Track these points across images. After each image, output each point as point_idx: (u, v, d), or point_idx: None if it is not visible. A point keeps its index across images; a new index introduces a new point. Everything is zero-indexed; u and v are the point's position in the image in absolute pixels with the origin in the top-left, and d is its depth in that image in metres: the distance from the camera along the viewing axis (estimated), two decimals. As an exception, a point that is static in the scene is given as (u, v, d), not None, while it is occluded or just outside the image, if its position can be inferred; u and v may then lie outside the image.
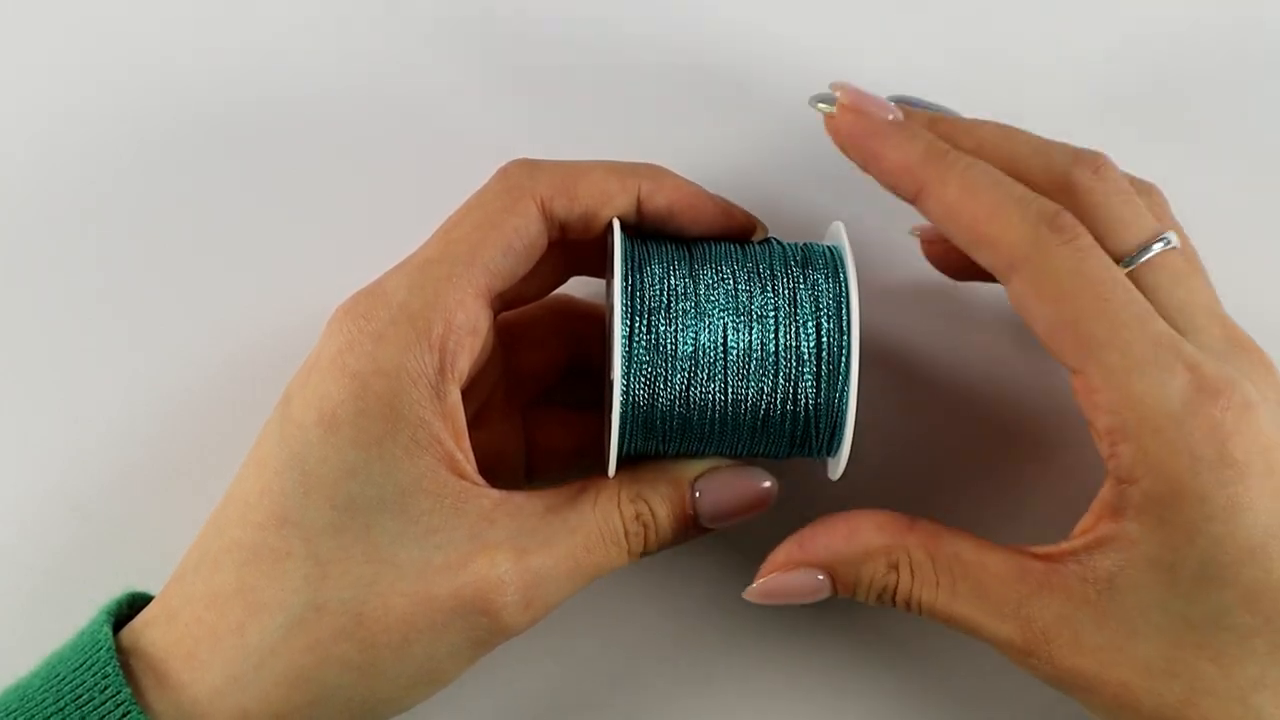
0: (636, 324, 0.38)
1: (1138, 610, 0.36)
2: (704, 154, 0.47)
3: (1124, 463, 0.36)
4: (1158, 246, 0.38)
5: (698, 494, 0.40)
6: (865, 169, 0.40)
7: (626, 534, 0.39)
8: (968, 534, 0.39)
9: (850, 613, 0.46)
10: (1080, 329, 0.36)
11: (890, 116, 0.40)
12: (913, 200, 0.39)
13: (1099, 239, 0.38)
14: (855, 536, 0.39)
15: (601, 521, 0.39)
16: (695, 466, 0.40)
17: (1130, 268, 0.38)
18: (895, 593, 0.39)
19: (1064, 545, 0.37)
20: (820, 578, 0.39)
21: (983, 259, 0.38)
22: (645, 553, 0.40)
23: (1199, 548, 0.35)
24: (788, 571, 0.39)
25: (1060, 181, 0.39)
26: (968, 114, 0.42)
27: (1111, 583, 0.36)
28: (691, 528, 0.40)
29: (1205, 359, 0.36)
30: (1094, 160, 0.39)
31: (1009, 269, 0.37)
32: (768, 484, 0.40)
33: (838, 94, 0.40)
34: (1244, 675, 0.35)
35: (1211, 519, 0.35)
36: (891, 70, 0.48)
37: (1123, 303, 0.36)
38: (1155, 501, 0.35)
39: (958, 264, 0.43)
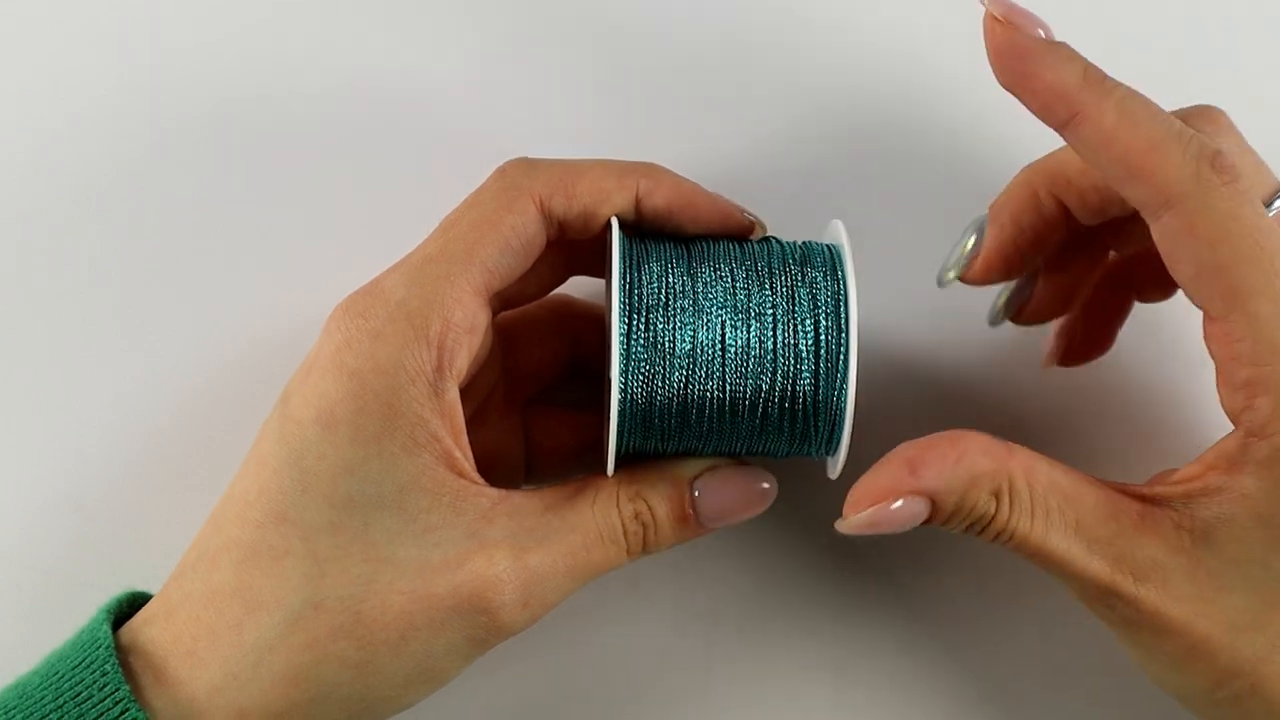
0: (634, 322, 0.38)
1: (1233, 564, 0.35)
2: (703, 152, 0.47)
3: (1259, 416, 0.35)
4: (1278, 202, 0.38)
5: (697, 493, 0.40)
6: (1014, 90, 0.37)
7: (625, 533, 0.39)
8: (1063, 464, 0.38)
9: (850, 613, 0.46)
10: (1233, 274, 0.35)
11: (1043, 34, 0.37)
12: (1062, 126, 0.37)
13: None
14: (963, 461, 0.37)
15: (600, 521, 0.39)
16: (694, 466, 0.40)
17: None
18: (991, 523, 0.37)
19: (1161, 488, 0.37)
20: (923, 504, 0.37)
21: (1134, 193, 0.36)
22: (645, 552, 0.40)
23: None
24: (894, 501, 0.37)
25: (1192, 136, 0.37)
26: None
27: (1209, 534, 0.35)
28: (690, 527, 0.40)
29: None
30: (1217, 116, 0.38)
31: (1163, 205, 0.35)
32: (766, 484, 0.40)
33: (988, 4, 0.37)
34: None
35: None
36: (895, 68, 0.48)
37: (1278, 251, 0.35)
38: None
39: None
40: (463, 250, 0.38)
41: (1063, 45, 0.37)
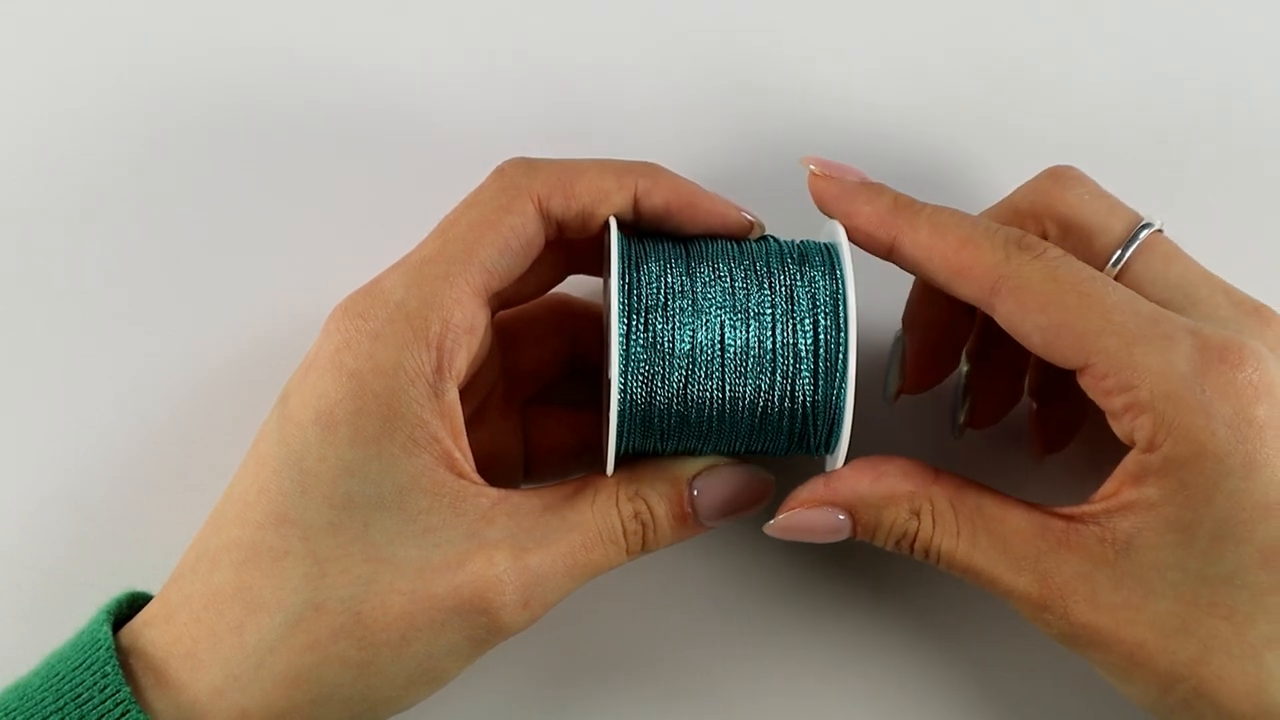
0: (634, 322, 0.38)
1: (1155, 570, 0.36)
2: (702, 151, 0.47)
3: (1145, 433, 0.36)
4: (1144, 233, 0.40)
5: (696, 492, 0.40)
6: (844, 227, 0.41)
7: (625, 533, 0.39)
8: (991, 489, 0.40)
9: (851, 613, 0.46)
10: (1073, 326, 0.37)
11: (857, 179, 0.41)
12: (888, 251, 0.40)
13: (1087, 242, 0.40)
14: (880, 480, 0.40)
15: (600, 520, 0.39)
16: (693, 464, 0.40)
17: (1123, 259, 0.40)
18: (915, 539, 0.39)
19: (1084, 508, 0.38)
20: (841, 517, 0.39)
21: (963, 291, 0.39)
22: (644, 551, 0.40)
23: (1216, 506, 0.36)
24: (810, 509, 0.40)
25: (1040, 203, 0.41)
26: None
27: (1130, 544, 0.36)
28: (690, 525, 0.40)
29: (1204, 325, 0.37)
30: (1063, 172, 0.42)
31: (991, 294, 0.38)
32: (763, 483, 0.41)
33: (810, 166, 0.41)
34: (1256, 633, 0.36)
35: (1229, 475, 0.35)
36: (891, 70, 0.48)
37: (1105, 293, 0.37)
38: (1176, 464, 0.36)
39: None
40: (461, 251, 0.38)
41: (874, 185, 0.41)
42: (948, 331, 0.44)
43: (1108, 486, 0.38)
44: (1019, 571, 0.38)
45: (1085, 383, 0.38)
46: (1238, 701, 0.36)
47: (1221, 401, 0.36)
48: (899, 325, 0.45)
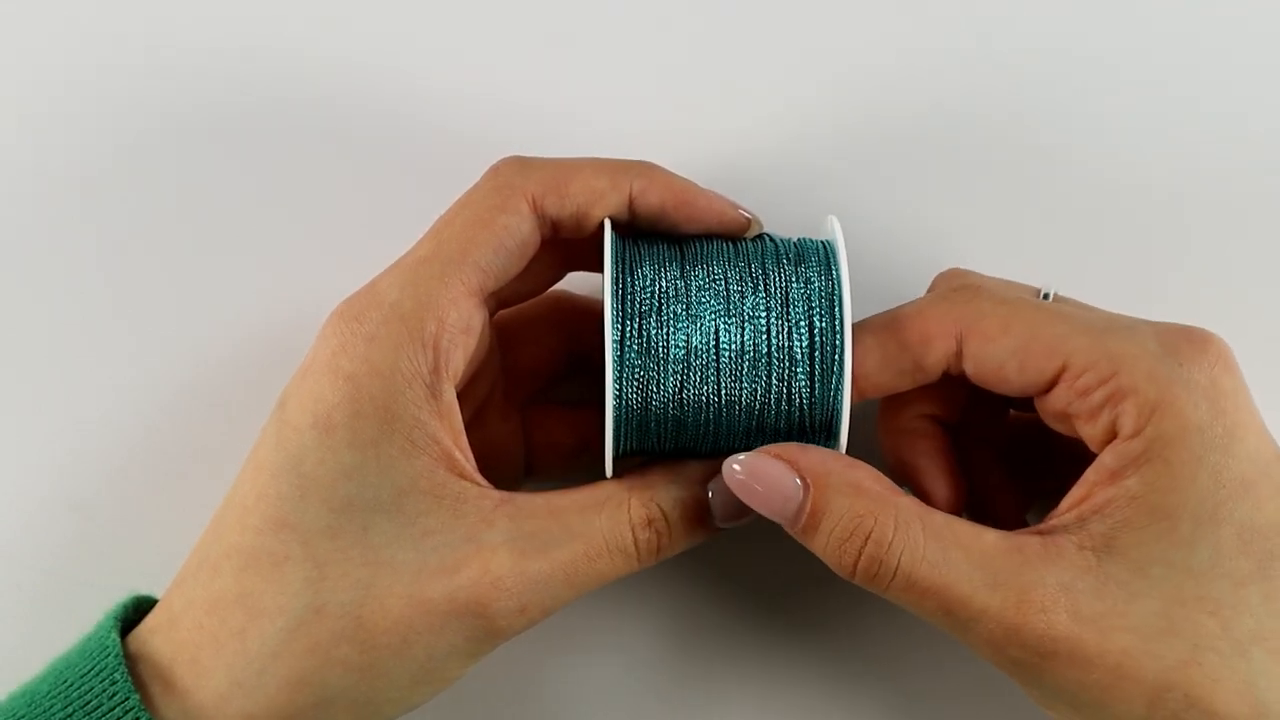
0: (628, 327, 0.38)
1: (1137, 568, 0.36)
2: (700, 149, 0.47)
3: (1129, 418, 0.36)
4: (1050, 294, 0.41)
5: (711, 494, 0.40)
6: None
7: (636, 541, 0.39)
8: (962, 519, 0.38)
9: (852, 612, 0.46)
10: (1040, 337, 0.38)
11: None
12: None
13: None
14: (853, 469, 0.38)
15: (607, 530, 0.38)
16: (706, 467, 0.40)
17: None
18: (868, 540, 0.37)
19: (1056, 520, 0.37)
20: (797, 482, 0.37)
21: (931, 360, 0.40)
22: (658, 558, 0.39)
23: (1199, 484, 0.36)
24: (772, 460, 0.38)
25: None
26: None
27: (1110, 545, 0.36)
28: (705, 529, 0.40)
29: (1160, 323, 0.38)
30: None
31: (960, 342, 0.39)
32: None
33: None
34: (1242, 628, 0.35)
35: (1211, 449, 0.36)
36: (888, 66, 0.48)
37: (1055, 306, 0.39)
38: (1161, 443, 0.36)
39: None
40: (456, 251, 0.38)
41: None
42: (938, 442, 0.43)
43: (1076, 493, 0.38)
44: (994, 587, 0.36)
45: (1059, 392, 0.38)
46: (1230, 704, 0.35)
47: (1197, 374, 0.36)
48: None
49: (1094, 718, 0.36)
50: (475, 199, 0.40)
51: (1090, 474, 0.37)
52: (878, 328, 0.40)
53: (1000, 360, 0.39)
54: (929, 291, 0.42)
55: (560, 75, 0.48)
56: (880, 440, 0.43)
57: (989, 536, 0.37)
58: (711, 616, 0.46)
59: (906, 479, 0.42)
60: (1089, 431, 0.38)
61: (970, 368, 0.39)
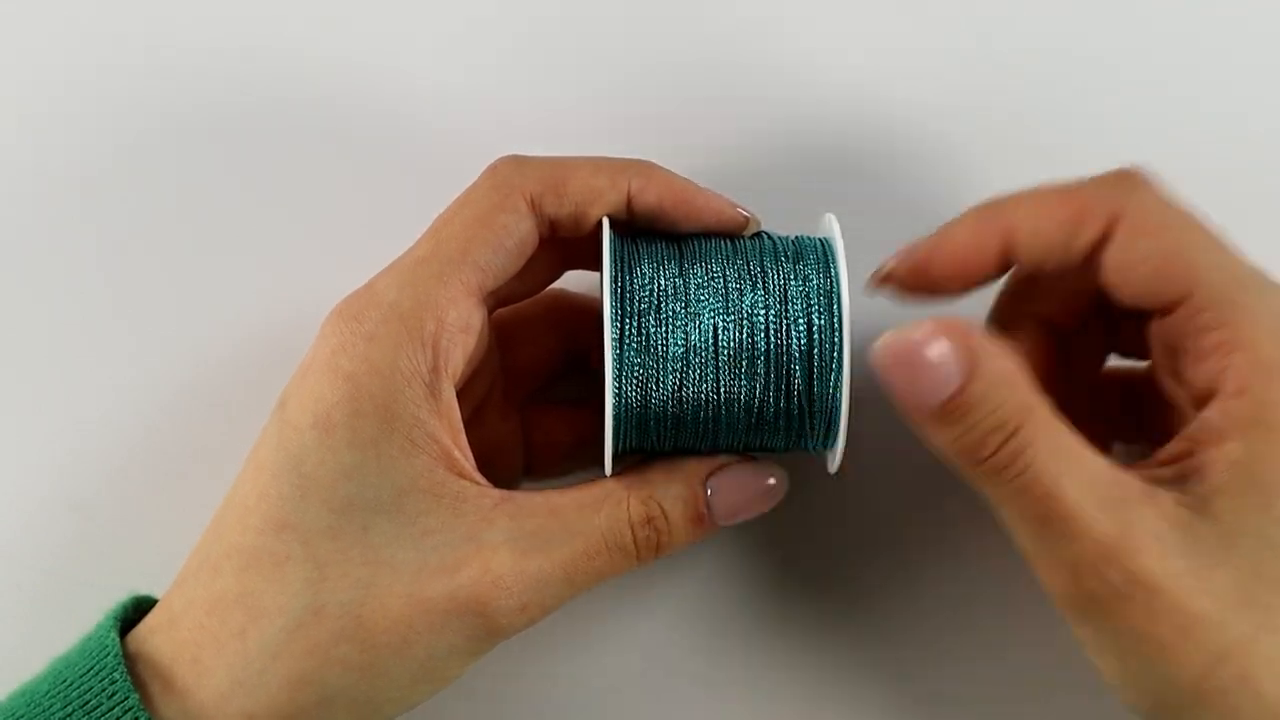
0: (627, 326, 0.38)
1: (1228, 535, 0.35)
2: (698, 147, 0.47)
3: (1238, 373, 0.35)
4: None
5: (710, 492, 0.40)
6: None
7: (635, 539, 0.39)
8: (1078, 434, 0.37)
9: (853, 611, 0.46)
10: (1184, 255, 0.37)
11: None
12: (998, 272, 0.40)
13: None
14: (1005, 358, 0.36)
15: (606, 528, 0.38)
16: (705, 464, 0.40)
17: None
18: (1014, 436, 0.35)
19: (1156, 470, 0.36)
20: (955, 368, 0.35)
21: (1080, 239, 0.38)
22: (657, 555, 0.39)
23: None
24: (936, 338, 0.35)
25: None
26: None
27: (1205, 507, 0.35)
28: (705, 526, 0.40)
29: None
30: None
31: (1109, 224, 0.38)
32: (776, 479, 0.40)
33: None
34: None
35: None
36: (888, 65, 0.48)
37: (1212, 230, 0.38)
38: (1271, 408, 0.35)
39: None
40: (455, 250, 0.39)
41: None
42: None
43: (1175, 447, 0.36)
44: (1102, 511, 0.35)
45: (1175, 319, 0.37)
46: (1277, 690, 0.34)
47: None
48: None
49: (1141, 672, 0.36)
50: (474, 198, 0.40)
51: (1194, 428, 0.36)
52: (1035, 195, 0.39)
53: (1140, 259, 0.37)
54: (1102, 178, 0.40)
55: (559, 75, 0.48)
56: (988, 329, 0.42)
57: (1102, 461, 0.36)
58: (711, 615, 0.46)
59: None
60: (1191, 374, 0.37)
61: (1109, 260, 0.38)
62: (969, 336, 0.35)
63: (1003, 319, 0.43)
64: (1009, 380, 0.35)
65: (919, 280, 0.40)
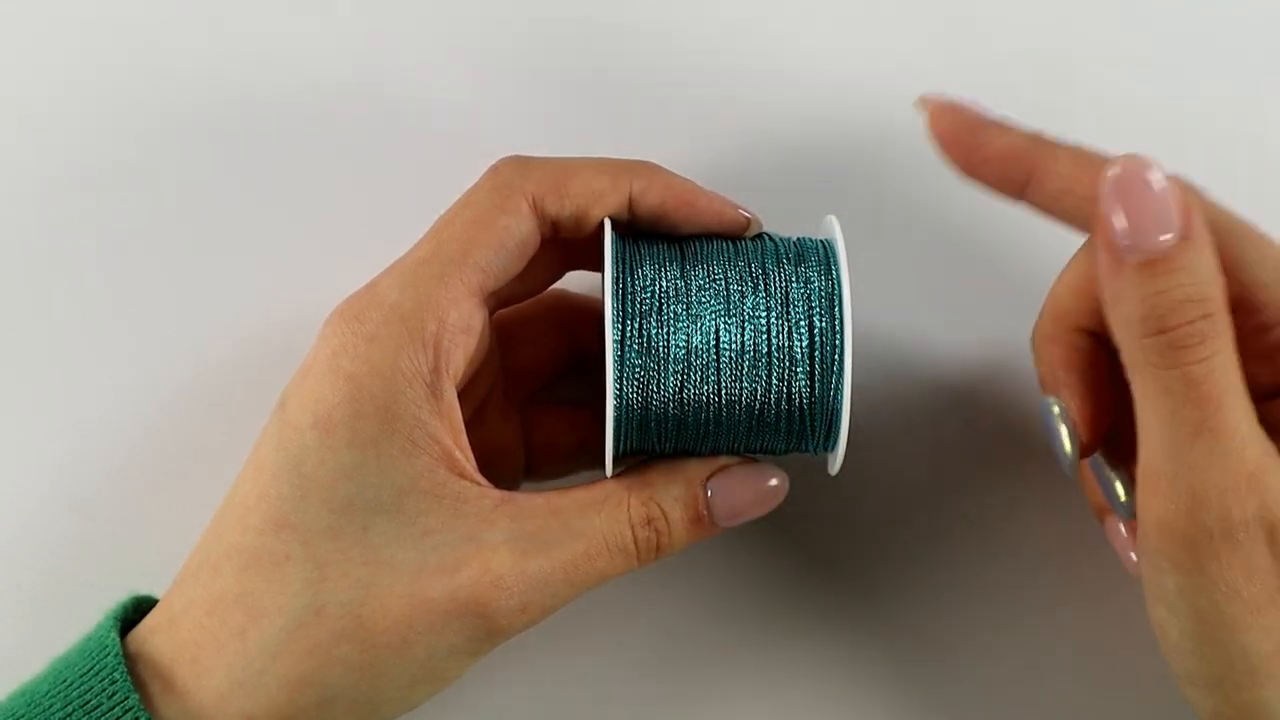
0: (628, 328, 0.38)
1: None
2: (698, 148, 0.47)
3: None
4: None
5: (710, 493, 0.40)
6: (968, 165, 0.39)
7: (635, 540, 0.39)
8: None
9: (854, 609, 0.46)
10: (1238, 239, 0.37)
11: (982, 112, 0.39)
12: (1022, 188, 0.38)
13: None
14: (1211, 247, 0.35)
15: (607, 529, 0.38)
16: (705, 466, 0.40)
17: None
18: (1207, 318, 0.34)
19: None
20: (1178, 218, 0.34)
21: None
22: (657, 556, 0.39)
23: None
24: (1159, 173, 0.34)
25: None
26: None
27: None
28: (705, 528, 0.40)
29: None
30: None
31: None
32: (776, 480, 0.40)
33: (926, 103, 0.39)
34: None
35: None
36: (888, 65, 0.48)
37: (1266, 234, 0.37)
38: None
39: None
40: (456, 251, 0.38)
41: (1002, 119, 0.38)
42: (1096, 369, 0.40)
43: None
44: (1257, 441, 0.34)
45: (1244, 321, 0.36)
46: None
47: None
48: (1049, 411, 0.40)
49: (1219, 635, 0.35)
50: (475, 199, 0.40)
51: None
52: (1069, 171, 0.37)
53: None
54: None
55: (560, 75, 0.48)
56: (1036, 347, 0.41)
57: (1253, 408, 0.35)
58: (711, 616, 0.46)
59: (1052, 389, 0.39)
60: (1261, 373, 0.36)
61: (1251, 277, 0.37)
62: (1189, 198, 0.34)
63: (1045, 329, 0.41)
64: (1217, 264, 0.34)
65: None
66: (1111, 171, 0.34)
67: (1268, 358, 0.37)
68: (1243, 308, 0.36)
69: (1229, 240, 0.36)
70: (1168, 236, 0.34)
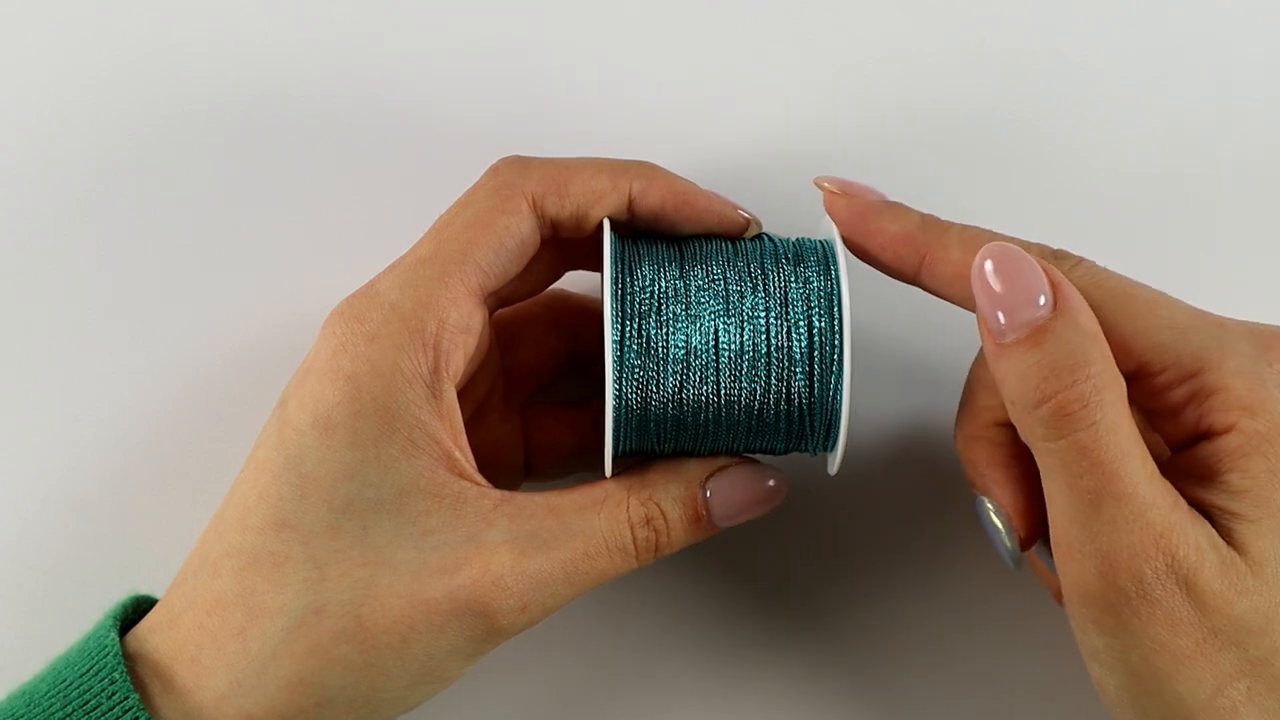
0: (627, 328, 0.38)
1: (1256, 563, 0.35)
2: (700, 149, 0.47)
3: (1218, 415, 0.36)
4: None
5: (709, 493, 0.40)
6: (865, 248, 0.40)
7: (634, 540, 0.39)
8: None
9: (855, 608, 0.46)
10: (1127, 325, 0.37)
11: (877, 198, 0.40)
12: (915, 273, 0.39)
13: None
14: (1092, 314, 0.36)
15: (606, 528, 0.38)
16: (704, 466, 0.40)
17: None
18: (1085, 380, 0.34)
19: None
20: (1047, 297, 0.35)
21: None
22: (656, 556, 0.39)
23: None
24: (1034, 261, 0.36)
25: None
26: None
27: (1231, 537, 0.35)
28: (703, 528, 0.40)
29: (1252, 323, 0.37)
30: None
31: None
32: (775, 480, 0.40)
33: (825, 184, 0.40)
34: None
35: None
36: (887, 65, 0.48)
37: (1146, 292, 0.38)
38: (1258, 439, 0.35)
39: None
40: (456, 251, 0.39)
41: (897, 203, 0.40)
42: (1019, 460, 0.40)
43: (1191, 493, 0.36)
44: (1159, 496, 0.34)
45: (1135, 389, 0.36)
46: None
47: None
48: (983, 510, 0.40)
49: (1152, 688, 0.35)
50: (475, 199, 0.40)
51: (1208, 456, 0.36)
52: (959, 258, 0.38)
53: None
54: None
55: (560, 75, 0.48)
56: (959, 449, 0.41)
57: (1153, 463, 0.35)
58: (711, 615, 0.46)
59: (981, 488, 0.40)
60: (1168, 430, 0.37)
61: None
62: (1059, 276, 0.36)
63: (965, 429, 0.41)
64: (1095, 329, 0.35)
65: (853, 220, 0.40)
66: (978, 261, 0.36)
67: (1173, 415, 0.37)
68: (1144, 371, 0.37)
69: (1122, 305, 0.37)
70: (1040, 311, 0.35)
